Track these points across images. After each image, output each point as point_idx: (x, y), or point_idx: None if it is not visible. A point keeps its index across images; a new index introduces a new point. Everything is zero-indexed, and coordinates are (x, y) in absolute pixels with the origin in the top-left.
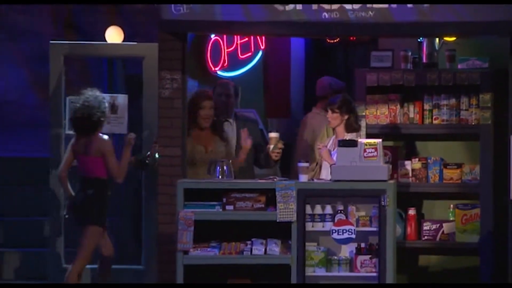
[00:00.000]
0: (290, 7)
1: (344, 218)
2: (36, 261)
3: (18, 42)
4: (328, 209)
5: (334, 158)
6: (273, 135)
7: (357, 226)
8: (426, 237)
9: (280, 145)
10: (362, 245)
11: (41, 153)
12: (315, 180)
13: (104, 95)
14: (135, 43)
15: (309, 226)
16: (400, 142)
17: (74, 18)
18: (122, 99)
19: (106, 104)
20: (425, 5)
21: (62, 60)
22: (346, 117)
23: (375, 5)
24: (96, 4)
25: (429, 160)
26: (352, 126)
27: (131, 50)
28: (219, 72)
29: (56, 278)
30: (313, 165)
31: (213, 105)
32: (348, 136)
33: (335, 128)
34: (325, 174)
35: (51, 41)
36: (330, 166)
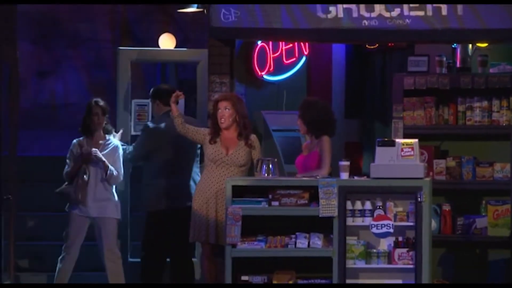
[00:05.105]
0: (332, 15)
1: (383, 213)
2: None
3: (78, 49)
4: (368, 205)
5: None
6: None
7: (395, 221)
8: (460, 231)
9: None
10: (400, 238)
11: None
12: (356, 178)
13: None
14: (192, 49)
15: (349, 221)
16: (436, 142)
17: (129, 26)
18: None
19: None
20: (459, 13)
21: (129, 65)
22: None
23: (411, 13)
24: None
25: (462, 159)
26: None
27: (189, 55)
28: (265, 76)
29: None
30: None
31: (229, 106)
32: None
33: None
34: None
35: (119, 47)
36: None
